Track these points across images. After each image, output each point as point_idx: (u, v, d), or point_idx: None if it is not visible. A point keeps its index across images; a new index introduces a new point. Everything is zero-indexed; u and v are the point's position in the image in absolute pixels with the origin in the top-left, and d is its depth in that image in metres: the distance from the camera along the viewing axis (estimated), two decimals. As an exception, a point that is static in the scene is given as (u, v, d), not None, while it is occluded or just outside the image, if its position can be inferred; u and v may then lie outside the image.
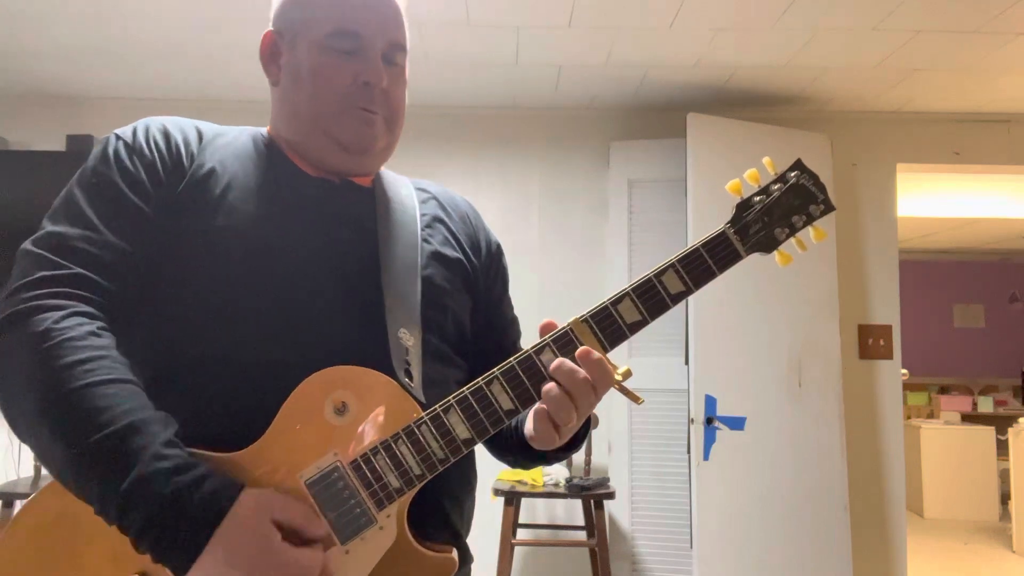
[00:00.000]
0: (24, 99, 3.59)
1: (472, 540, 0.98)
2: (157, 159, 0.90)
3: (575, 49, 3.01)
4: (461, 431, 0.83)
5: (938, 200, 5.24)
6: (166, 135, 0.92)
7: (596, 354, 0.83)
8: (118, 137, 0.92)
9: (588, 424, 0.97)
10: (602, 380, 0.83)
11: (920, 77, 3.20)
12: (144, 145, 0.91)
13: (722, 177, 3.39)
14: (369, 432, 0.82)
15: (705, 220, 3.08)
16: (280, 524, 0.75)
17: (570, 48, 3.00)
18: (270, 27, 1.01)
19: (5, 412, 0.79)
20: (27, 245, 0.85)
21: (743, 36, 2.86)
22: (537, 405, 0.85)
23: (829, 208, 0.89)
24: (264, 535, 0.73)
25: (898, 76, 3.20)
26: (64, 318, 0.78)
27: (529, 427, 0.91)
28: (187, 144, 0.93)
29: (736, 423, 3.06)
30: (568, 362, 0.83)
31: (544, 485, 3.01)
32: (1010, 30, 2.75)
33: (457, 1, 2.64)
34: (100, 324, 0.81)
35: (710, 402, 3.05)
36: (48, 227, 0.86)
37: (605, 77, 3.28)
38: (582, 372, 0.82)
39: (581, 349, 0.83)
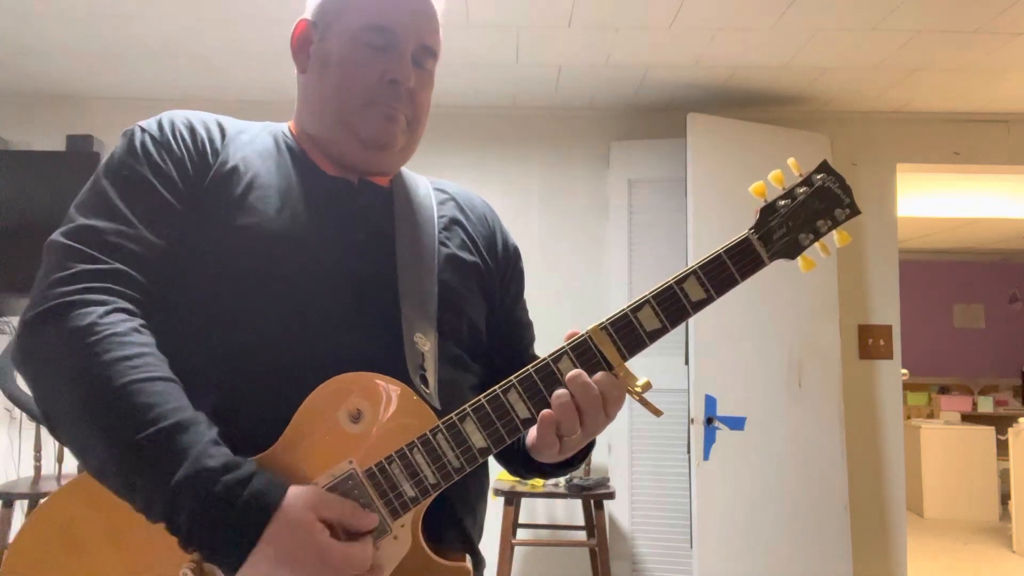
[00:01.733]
0: (24, 99, 3.58)
1: (474, 541, 0.97)
2: (185, 154, 0.89)
3: (575, 49, 3.01)
4: (477, 440, 0.81)
5: (938, 200, 5.23)
6: (191, 129, 0.91)
7: (610, 376, 0.82)
8: (143, 130, 0.90)
9: (591, 446, 0.95)
10: (614, 400, 0.82)
11: (920, 77, 3.20)
12: (172, 139, 0.89)
13: (722, 177, 3.38)
14: (384, 440, 0.81)
15: (705, 220, 3.08)
16: (327, 521, 0.75)
17: (570, 48, 3.00)
18: (306, 16, 0.99)
19: (42, 405, 0.78)
20: (59, 238, 0.83)
21: (743, 36, 2.86)
22: (544, 411, 0.83)
23: (855, 212, 0.87)
24: (314, 532, 0.73)
25: (898, 76, 3.20)
26: (108, 313, 0.78)
27: (532, 434, 0.89)
28: (211, 140, 0.92)
29: (736, 423, 3.06)
30: (584, 375, 0.81)
31: (544, 485, 3.01)
32: (1010, 30, 2.75)
33: (457, 1, 2.64)
34: (141, 322, 0.80)
35: (710, 402, 3.05)
36: (80, 220, 0.84)
37: (605, 77, 3.28)
38: (596, 388, 0.81)
39: (598, 374, 0.82)
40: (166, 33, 2.92)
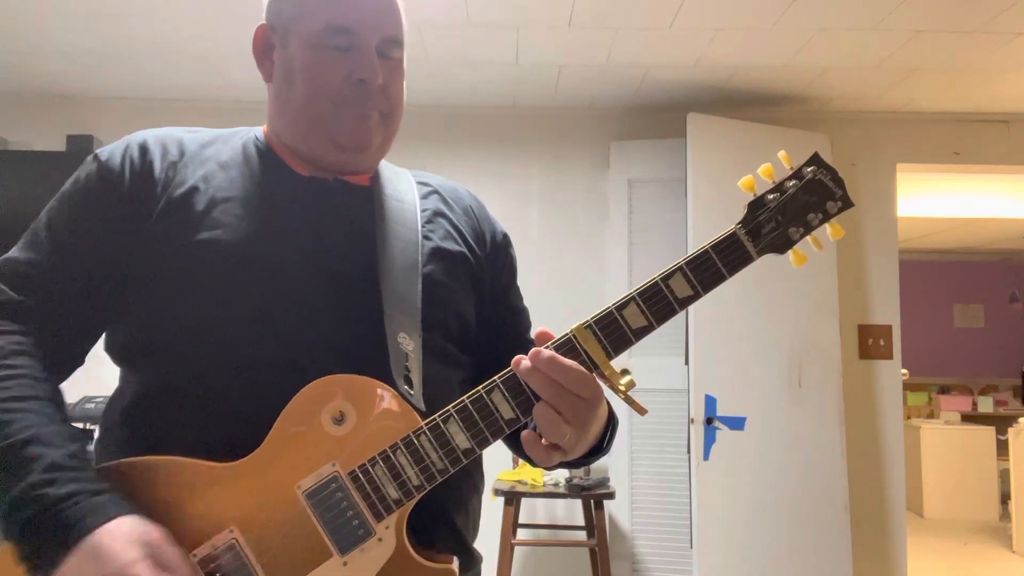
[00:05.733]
0: (24, 99, 3.58)
1: (473, 540, 0.97)
2: (127, 177, 0.90)
3: (575, 49, 3.01)
4: (461, 441, 0.81)
5: (938, 200, 5.23)
6: (143, 152, 0.92)
7: (547, 352, 0.79)
8: (95, 158, 0.92)
9: (610, 427, 0.92)
10: (561, 374, 0.78)
11: (920, 77, 3.20)
12: (116, 165, 0.91)
13: (722, 177, 3.36)
14: (368, 442, 0.81)
15: (705, 220, 3.08)
16: (152, 557, 0.73)
17: (570, 48, 3.00)
18: (263, 21, 0.98)
19: None
20: None
21: (743, 36, 2.86)
22: (523, 432, 0.82)
23: (847, 204, 0.85)
24: (129, 555, 0.72)
25: (898, 76, 3.20)
26: None
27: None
28: (164, 161, 0.92)
29: (736, 423, 3.06)
30: (527, 360, 0.79)
31: (544, 485, 3.01)
32: (1010, 30, 2.75)
33: (457, 1, 2.64)
34: (26, 344, 0.83)
35: (710, 402, 3.05)
36: (10, 251, 0.89)
37: (605, 77, 3.28)
38: (548, 374, 0.78)
39: (532, 351, 0.80)
40: (166, 33, 2.92)
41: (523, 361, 0.79)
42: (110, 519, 0.74)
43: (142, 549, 0.73)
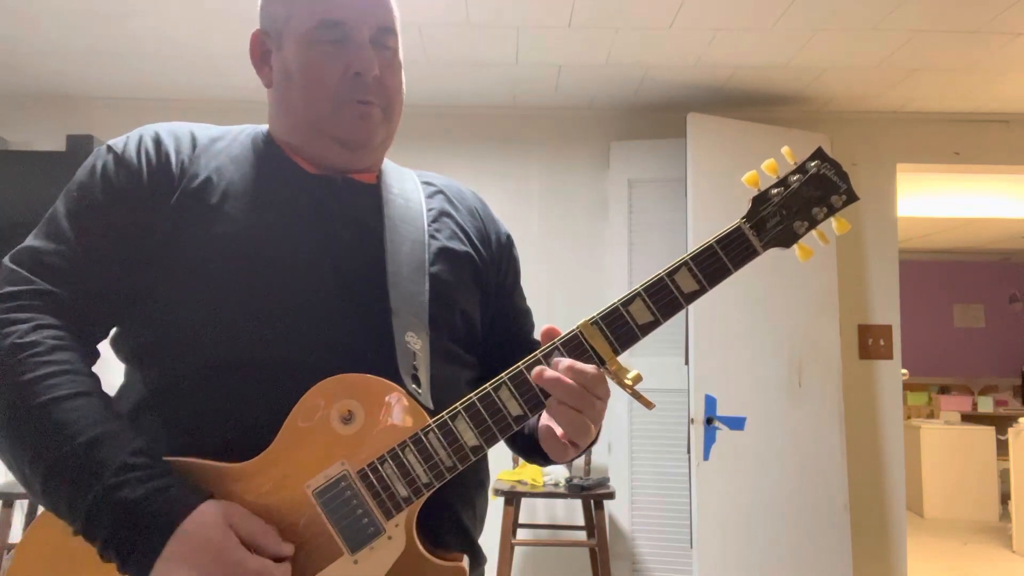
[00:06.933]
0: (24, 99, 3.59)
1: (473, 540, 0.97)
2: (144, 169, 0.89)
3: (575, 49, 3.01)
4: (469, 438, 0.81)
5: (938, 200, 5.23)
6: (157, 143, 0.91)
7: (566, 361, 0.80)
8: (109, 149, 0.91)
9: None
10: (586, 380, 0.80)
11: (920, 77, 3.20)
12: (133, 156, 0.90)
13: (722, 177, 3.37)
14: (376, 440, 0.81)
15: (705, 220, 3.08)
16: (241, 536, 0.75)
17: (570, 48, 3.00)
18: (258, 26, 0.98)
19: None
20: (4, 260, 0.86)
21: (743, 36, 2.86)
22: (551, 427, 0.83)
23: (852, 198, 0.85)
24: (221, 539, 0.74)
25: (898, 76, 3.20)
26: (29, 332, 0.79)
27: (543, 430, 0.89)
28: (179, 153, 0.91)
29: (736, 423, 3.06)
30: (550, 371, 0.80)
31: (544, 485, 3.01)
32: (1010, 30, 2.75)
33: (457, 1, 2.64)
34: (66, 338, 0.81)
35: (710, 402, 3.05)
36: (27, 241, 0.87)
37: (605, 77, 3.28)
38: (574, 382, 0.80)
39: (554, 360, 0.81)
40: (166, 33, 2.92)
41: (546, 372, 0.80)
42: (191, 509, 0.75)
43: (230, 532, 0.75)
